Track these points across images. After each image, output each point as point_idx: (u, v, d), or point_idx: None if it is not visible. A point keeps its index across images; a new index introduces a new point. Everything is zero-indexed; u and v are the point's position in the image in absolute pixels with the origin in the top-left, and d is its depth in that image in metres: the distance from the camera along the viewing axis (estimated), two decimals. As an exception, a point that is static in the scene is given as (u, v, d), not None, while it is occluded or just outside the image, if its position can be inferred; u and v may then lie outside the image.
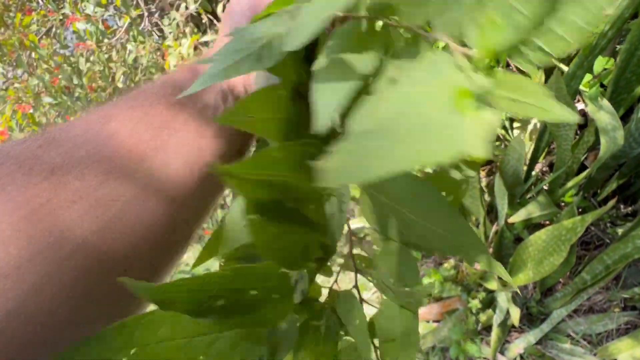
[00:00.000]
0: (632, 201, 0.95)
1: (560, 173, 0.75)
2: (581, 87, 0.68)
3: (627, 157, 0.78)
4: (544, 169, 0.95)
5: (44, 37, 1.00)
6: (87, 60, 0.89)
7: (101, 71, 0.91)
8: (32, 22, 0.90)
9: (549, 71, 0.93)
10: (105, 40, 0.87)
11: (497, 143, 0.91)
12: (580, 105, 0.77)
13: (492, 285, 0.80)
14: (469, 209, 0.84)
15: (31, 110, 0.96)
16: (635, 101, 0.73)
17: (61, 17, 0.91)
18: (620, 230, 0.90)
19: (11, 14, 0.99)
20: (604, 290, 0.88)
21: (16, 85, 0.98)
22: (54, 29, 0.98)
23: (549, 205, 0.70)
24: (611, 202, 0.55)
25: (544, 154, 0.89)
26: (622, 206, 0.97)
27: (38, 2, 0.96)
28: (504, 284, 0.79)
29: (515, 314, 0.72)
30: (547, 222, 0.86)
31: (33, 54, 0.96)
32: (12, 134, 1.06)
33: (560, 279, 0.91)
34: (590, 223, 0.89)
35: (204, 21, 1.00)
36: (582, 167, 0.84)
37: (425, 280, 0.91)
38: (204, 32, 0.97)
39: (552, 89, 0.60)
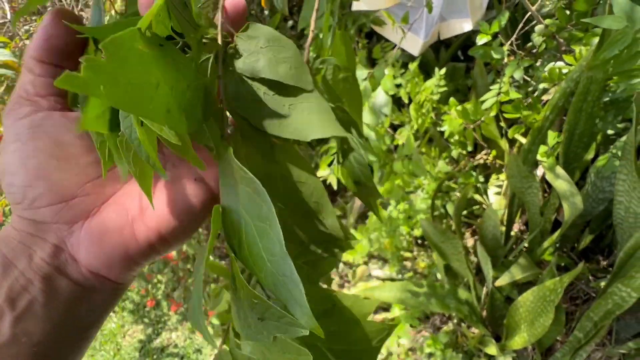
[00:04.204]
0: (609, 252, 1.01)
1: (536, 234, 0.81)
2: (539, 157, 0.78)
3: (591, 215, 0.85)
4: (522, 227, 1.01)
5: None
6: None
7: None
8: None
9: (512, 140, 1.06)
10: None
11: (476, 207, 0.99)
12: (540, 172, 0.87)
13: (492, 350, 0.81)
14: (458, 271, 0.88)
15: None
16: (585, 167, 0.83)
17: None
18: (603, 283, 0.94)
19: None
20: (601, 346, 0.89)
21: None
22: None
23: (531, 267, 0.74)
24: (580, 265, 0.60)
25: (518, 214, 0.97)
26: (600, 258, 1.03)
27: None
28: (502, 348, 0.79)
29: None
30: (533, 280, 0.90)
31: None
32: (6, 219, 1.08)
33: (558, 337, 0.92)
34: (575, 278, 0.93)
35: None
36: (557, 223, 0.91)
37: (426, 350, 0.89)
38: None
39: (513, 165, 0.69)
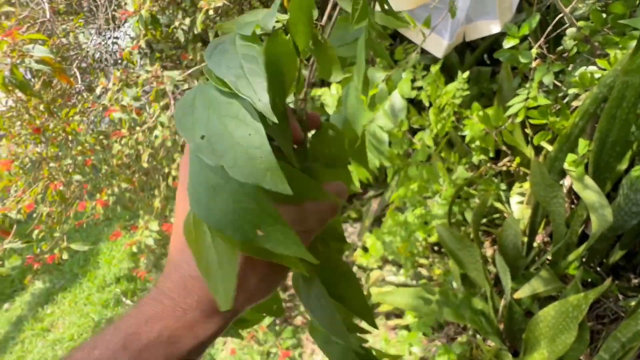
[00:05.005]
0: (641, 271, 0.95)
1: (561, 246, 0.77)
2: (566, 167, 0.74)
3: (623, 229, 0.80)
4: (546, 239, 0.97)
5: (80, 123, 1.13)
6: (119, 144, 1.00)
7: (129, 155, 1.01)
8: (75, 113, 1.03)
9: (537, 147, 1.01)
10: (137, 128, 0.99)
11: (497, 216, 0.95)
12: (567, 181, 0.82)
13: (508, 365, 0.77)
14: (475, 281, 0.85)
15: (62, 187, 1.05)
16: (618, 178, 0.78)
17: (101, 108, 1.04)
18: (633, 303, 0.88)
19: (57, 104, 1.14)
20: (629, 370, 0.83)
21: (51, 164, 1.08)
22: (92, 117, 1.12)
23: (553, 280, 0.71)
24: (607, 281, 0.56)
25: (542, 225, 0.92)
26: (632, 276, 0.96)
27: (83, 96, 1.11)
28: (520, 364, 0.76)
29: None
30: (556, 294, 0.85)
31: (69, 137, 1.08)
32: (37, 206, 1.14)
33: (581, 357, 0.86)
34: (602, 296, 0.88)
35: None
36: (584, 236, 0.86)
37: (438, 360, 0.87)
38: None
39: (537, 173, 0.66)
